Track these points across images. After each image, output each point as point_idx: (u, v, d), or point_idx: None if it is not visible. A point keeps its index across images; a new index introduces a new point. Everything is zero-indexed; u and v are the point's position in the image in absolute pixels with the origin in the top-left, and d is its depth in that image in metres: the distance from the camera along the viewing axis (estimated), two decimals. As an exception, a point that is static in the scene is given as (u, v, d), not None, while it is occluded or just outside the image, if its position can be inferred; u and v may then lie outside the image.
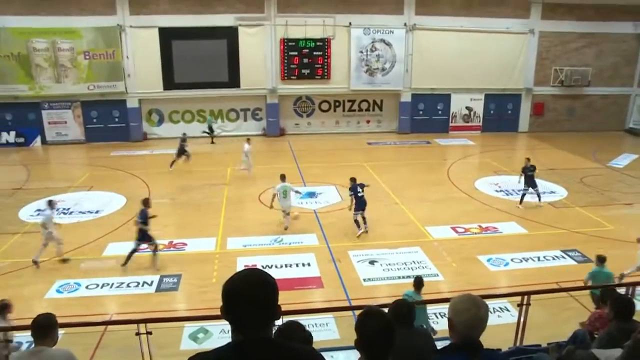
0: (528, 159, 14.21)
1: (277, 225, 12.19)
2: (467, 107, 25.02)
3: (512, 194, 15.39)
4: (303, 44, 23.07)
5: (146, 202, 10.13)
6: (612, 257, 10.74)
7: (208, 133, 22.32)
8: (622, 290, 6.64)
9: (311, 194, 13.95)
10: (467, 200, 14.88)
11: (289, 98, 24.03)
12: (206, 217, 12.90)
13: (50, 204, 10.56)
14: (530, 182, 13.93)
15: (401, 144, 22.83)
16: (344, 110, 24.77)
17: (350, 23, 23.07)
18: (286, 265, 10.17)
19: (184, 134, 18.51)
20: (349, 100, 24.62)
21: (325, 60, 23.41)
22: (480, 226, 12.65)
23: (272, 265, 10.13)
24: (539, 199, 14.03)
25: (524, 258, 10.91)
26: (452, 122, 25.07)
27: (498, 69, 24.25)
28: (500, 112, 25.24)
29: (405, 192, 15.25)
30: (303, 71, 23.36)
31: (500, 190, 15.78)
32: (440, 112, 25.03)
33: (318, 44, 23.14)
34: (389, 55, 23.72)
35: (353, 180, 11.91)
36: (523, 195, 14.05)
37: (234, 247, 11.01)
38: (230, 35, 22.44)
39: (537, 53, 24.48)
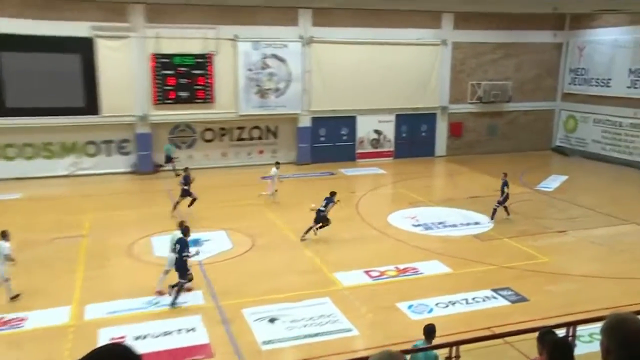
0: (505, 174, 16.54)
1: (153, 283, 11.50)
2: (375, 131, 25.99)
3: (432, 228, 15.98)
4: (179, 60, 22.68)
5: None
6: (551, 294, 11.42)
7: (168, 163, 22.48)
8: (561, 332, 6.70)
9: (195, 242, 13.33)
10: (380, 238, 15.17)
11: (164, 127, 23.34)
12: (56, 280, 12.25)
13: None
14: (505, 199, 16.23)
15: (301, 177, 22.88)
16: (232, 140, 24.60)
17: (236, 36, 23.15)
18: (165, 334, 9.94)
19: (187, 168, 17.55)
20: (237, 128, 24.52)
21: (208, 81, 23.17)
22: (397, 268, 12.95)
23: (146, 335, 9.84)
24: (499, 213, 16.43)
25: (450, 302, 11.18)
26: (359, 148, 25.85)
27: (409, 85, 25.71)
28: (413, 135, 26.62)
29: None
30: (180, 94, 22.91)
31: (418, 225, 16.27)
32: (345, 137, 25.74)
33: (198, 60, 22.88)
34: (283, 73, 24.05)
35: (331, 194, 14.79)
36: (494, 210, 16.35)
37: (96, 316, 10.58)
38: (84, 48, 21.30)
39: (451, 66, 26.48)
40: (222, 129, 24.32)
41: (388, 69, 25.09)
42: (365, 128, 25.81)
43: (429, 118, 26.74)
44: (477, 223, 16.39)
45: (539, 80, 28.07)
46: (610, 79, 25.34)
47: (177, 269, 10.99)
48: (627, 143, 24.63)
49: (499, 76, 27.20)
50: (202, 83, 23.12)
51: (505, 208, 16.45)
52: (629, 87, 24.37)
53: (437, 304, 11.02)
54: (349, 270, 12.65)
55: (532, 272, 12.61)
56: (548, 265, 13.10)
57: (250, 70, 23.57)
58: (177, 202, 16.71)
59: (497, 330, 9.06)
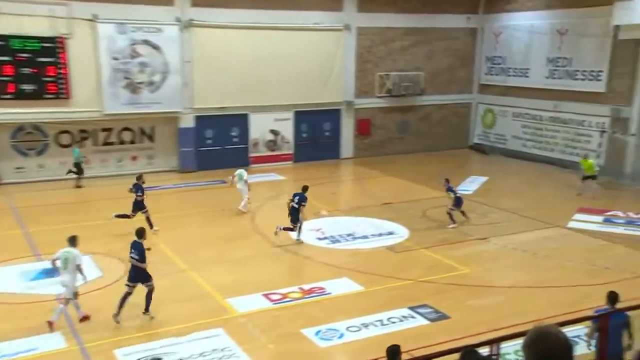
0: (447, 180, 17.59)
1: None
2: (272, 131, 26.15)
3: (339, 241, 16.26)
4: (19, 44, 21.43)
5: None
6: (473, 309, 11.97)
7: (75, 172, 21.93)
8: (485, 351, 6.98)
9: (48, 272, 12.59)
10: (281, 255, 15.20)
11: (3, 129, 21.89)
12: None
13: None
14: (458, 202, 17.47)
15: (186, 187, 22.39)
16: (96, 145, 23.72)
17: (95, 16, 22.28)
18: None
19: (141, 175, 17.35)
20: (103, 130, 23.67)
21: (60, 71, 22.08)
22: (302, 289, 13.04)
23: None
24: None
25: (363, 324, 11.37)
26: (253, 151, 25.88)
27: (309, 78, 26.08)
28: (316, 135, 27.08)
29: (196, 253, 15.16)
30: (23, 87, 21.68)
31: (324, 238, 16.52)
32: (236, 139, 25.68)
33: (45, 45, 21.77)
34: (158, 63, 23.51)
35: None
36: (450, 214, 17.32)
37: None
38: None
39: (356, 55, 27.21)
40: (83, 131, 23.35)
41: (284, 59, 25.31)
42: (259, 128, 25.81)
43: (332, 115, 27.29)
44: (390, 233, 16.87)
45: (453, 70, 29.63)
46: (528, 69, 27.28)
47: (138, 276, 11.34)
48: (547, 139, 26.62)
49: (410, 66, 28.35)
50: (53, 74, 22.01)
51: (463, 212, 17.55)
52: (547, 77, 26.35)
53: (348, 328, 11.16)
54: (245, 294, 12.59)
55: (452, 286, 13.17)
56: (469, 277, 13.74)
57: (116, 59, 22.77)
58: (147, 217, 16.34)
59: (417, 354, 9.28)
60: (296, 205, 15.74)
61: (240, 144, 25.66)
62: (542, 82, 26.52)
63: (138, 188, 16.65)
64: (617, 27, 22.78)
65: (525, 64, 27.42)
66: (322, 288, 13.01)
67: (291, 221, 15.83)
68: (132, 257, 11.33)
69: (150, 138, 24.57)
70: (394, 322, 11.46)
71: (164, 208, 18.99)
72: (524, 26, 27.34)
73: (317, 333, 10.97)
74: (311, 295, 12.71)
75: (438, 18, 28.44)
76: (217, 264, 14.44)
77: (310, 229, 17.07)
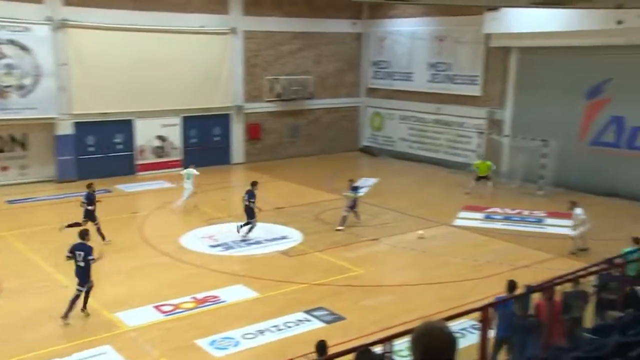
0: (351, 181, 18.09)
1: None
2: (159, 137, 25.53)
3: (233, 247, 16.20)
4: None
5: None
6: (367, 309, 12.27)
7: None
8: (378, 350, 7.16)
9: None
10: (172, 265, 14.90)
11: None
12: None
13: None
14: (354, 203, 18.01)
15: (65, 198, 21.25)
16: (-41, 154, 22.03)
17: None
18: None
19: (91, 184, 16.67)
20: (-34, 138, 22.04)
21: None
22: (195, 298, 12.84)
23: None
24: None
25: (259, 331, 11.38)
26: (139, 159, 25.15)
27: (196, 82, 25.68)
28: (205, 140, 26.73)
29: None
30: None
31: (217, 245, 16.38)
32: (120, 146, 24.86)
33: None
34: (27, 65, 22.23)
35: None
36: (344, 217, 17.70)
37: None
38: None
39: (243, 59, 27.13)
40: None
41: (169, 63, 24.74)
42: (145, 134, 25.06)
43: (222, 120, 27.05)
44: (284, 238, 16.98)
45: (341, 74, 30.26)
46: (412, 73, 28.40)
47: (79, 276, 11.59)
48: (432, 140, 27.83)
49: (299, 70, 28.64)
50: None
51: (356, 213, 18.04)
52: (429, 81, 27.59)
53: (244, 336, 11.12)
54: (134, 307, 12.31)
55: (346, 287, 13.44)
56: (363, 277, 14.10)
57: (-25, 60, 21.31)
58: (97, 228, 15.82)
59: (313, 357, 9.39)
60: (247, 203, 16.41)
61: (125, 151, 24.77)
62: (425, 86, 27.71)
63: (88, 197, 16.07)
64: (488, 36, 24.33)
65: (409, 68, 28.52)
66: (216, 296, 12.85)
67: (247, 218, 16.49)
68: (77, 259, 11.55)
69: (23, 146, 23.15)
70: (290, 327, 11.52)
71: (40, 221, 18.03)
72: (406, 32, 28.44)
73: (212, 343, 10.82)
74: (205, 304, 12.52)
75: (324, 22, 28.93)
76: (104, 277, 13.79)
77: (202, 237, 16.88)
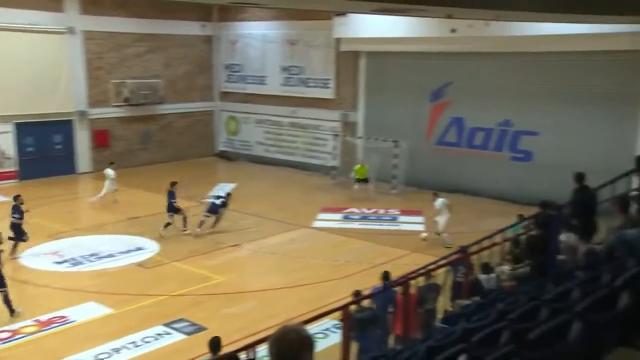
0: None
1: None
2: (-13, 146, 23.43)
3: (82, 263, 15.38)
4: None
5: None
6: (230, 317, 12.07)
7: None
8: (242, 357, 7.08)
9: None
10: (10, 286, 13.42)
11: None
12: None
13: None
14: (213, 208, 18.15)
15: None
16: None
17: None
18: None
19: (18, 196, 15.81)
20: None
21: None
22: (38, 321, 12.04)
23: None
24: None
25: (114, 349, 10.86)
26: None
27: (30, 85, 23.91)
28: (45, 148, 25.09)
29: None
30: None
31: (64, 261, 15.48)
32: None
33: None
34: None
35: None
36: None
37: None
38: None
39: (85, 61, 25.76)
40: None
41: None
42: (-29, 143, 22.87)
43: (63, 126, 25.47)
44: (139, 249, 16.39)
45: (192, 77, 29.70)
46: (265, 76, 28.54)
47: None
48: (288, 143, 28.12)
49: (148, 73, 27.73)
50: None
51: (218, 219, 18.08)
52: (283, 85, 27.89)
53: (96, 356, 10.54)
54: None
55: (208, 296, 13.20)
56: (224, 285, 13.94)
57: None
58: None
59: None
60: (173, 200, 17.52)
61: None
62: (279, 89, 27.94)
63: (15, 210, 15.33)
64: (338, 40, 25.08)
65: (262, 71, 28.62)
66: (63, 317, 12.05)
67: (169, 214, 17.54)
68: None
69: None
70: (148, 342, 11.09)
71: None
72: (257, 35, 28.52)
73: (61, 367, 10.10)
74: (50, 326, 11.70)
75: (172, 24, 28.16)
76: None
77: (45, 253, 15.80)
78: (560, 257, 8.20)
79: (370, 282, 11.94)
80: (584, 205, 9.68)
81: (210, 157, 30.21)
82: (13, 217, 15.27)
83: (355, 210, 20.67)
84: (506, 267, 9.71)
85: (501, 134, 21.74)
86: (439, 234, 16.77)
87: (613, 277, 4.83)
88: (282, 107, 27.88)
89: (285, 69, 27.74)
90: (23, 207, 15.44)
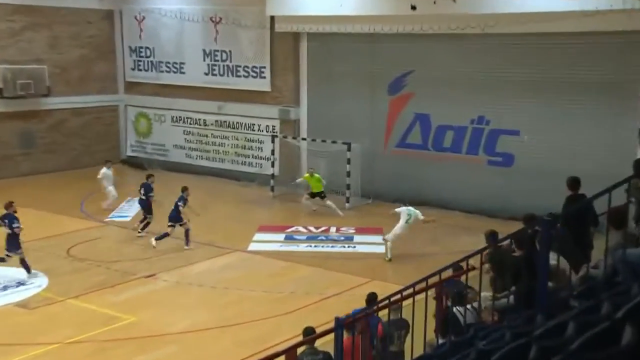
0: (149, 176, 20.77)
1: None
2: None
3: None
4: None
5: None
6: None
7: None
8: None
9: None
10: None
11: None
12: None
13: None
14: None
15: None
16: None
17: None
18: None
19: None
20: None
21: None
22: None
23: None
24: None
25: None
26: None
27: None
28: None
29: None
30: None
31: None
32: None
33: None
34: None
35: None
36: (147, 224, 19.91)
37: None
38: None
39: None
40: None
41: None
42: None
43: None
44: (20, 284, 16.09)
45: (88, 63, 29.47)
46: (183, 63, 28.51)
47: None
48: (216, 147, 28.08)
49: (27, 57, 27.39)
50: None
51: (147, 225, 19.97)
52: (206, 74, 27.92)
53: None
54: None
55: (116, 342, 13.07)
56: (137, 327, 13.81)
57: None
58: None
59: None
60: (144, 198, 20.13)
61: None
62: (201, 80, 27.99)
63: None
64: (272, 18, 25.24)
65: (180, 57, 28.60)
66: None
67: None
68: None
69: None
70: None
71: None
72: (171, 11, 28.39)
73: None
74: None
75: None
76: None
77: None
78: (550, 283, 8.42)
79: (321, 318, 12.07)
80: (578, 219, 9.95)
81: (116, 164, 29.78)
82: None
83: (301, 229, 20.84)
84: (487, 294, 9.93)
85: (475, 133, 22.35)
86: (384, 239, 17.81)
87: (614, 308, 4.99)
88: (206, 102, 27.91)
89: (208, 54, 27.76)
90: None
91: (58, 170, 27.86)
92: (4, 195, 23.39)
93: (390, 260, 17.63)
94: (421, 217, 17.99)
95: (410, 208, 17.93)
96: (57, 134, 28.61)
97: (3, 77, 26.29)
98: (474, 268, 9.01)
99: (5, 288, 15.78)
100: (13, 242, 16.29)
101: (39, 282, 16.14)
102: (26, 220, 21.08)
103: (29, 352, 12.67)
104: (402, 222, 17.60)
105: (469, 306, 9.76)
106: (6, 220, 16.40)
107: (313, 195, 22.45)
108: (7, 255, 16.25)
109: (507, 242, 9.03)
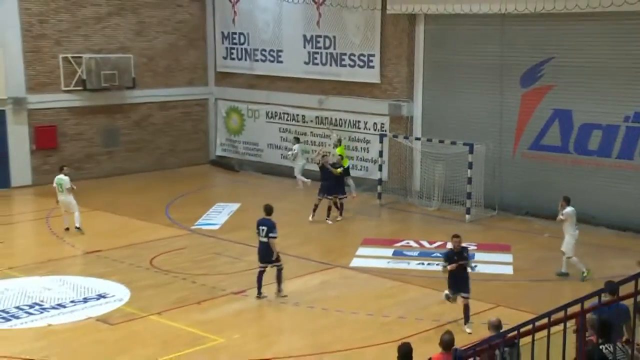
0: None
1: None
2: None
3: (18, 317, 15.52)
4: None
5: None
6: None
7: None
8: None
9: None
10: None
11: None
12: None
13: None
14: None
15: None
16: None
17: None
18: None
19: None
20: None
21: None
22: None
23: None
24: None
25: None
26: None
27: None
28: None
29: None
30: None
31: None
32: None
33: None
34: None
35: None
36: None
37: None
38: None
39: (21, 26, 26.32)
40: None
41: None
42: None
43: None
44: (101, 297, 16.49)
45: (177, 52, 30.22)
46: (281, 51, 28.77)
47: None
48: (316, 146, 28.09)
49: (113, 45, 28.30)
50: None
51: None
52: (307, 63, 28.06)
53: None
54: None
55: (201, 365, 13.17)
56: (225, 349, 13.91)
57: None
58: None
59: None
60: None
61: None
62: (301, 70, 28.20)
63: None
64: (384, -2, 25.08)
65: (277, 44, 28.90)
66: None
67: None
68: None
69: None
70: None
71: None
72: (268, -9, 28.73)
73: None
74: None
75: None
76: None
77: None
78: None
79: (435, 349, 11.82)
80: None
81: (204, 165, 30.36)
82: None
83: (412, 243, 20.60)
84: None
85: (630, 133, 21.47)
86: (569, 257, 17.21)
87: None
88: (305, 96, 28.05)
89: (309, 41, 27.91)
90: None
91: (142, 171, 28.73)
92: (86, 198, 24.42)
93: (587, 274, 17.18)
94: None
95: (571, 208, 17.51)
96: (141, 131, 29.46)
97: (87, 68, 27.24)
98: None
99: (85, 300, 16.23)
100: None
101: (121, 295, 16.51)
102: (107, 227, 21.98)
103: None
104: (573, 230, 17.31)
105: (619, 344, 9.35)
106: None
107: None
108: None
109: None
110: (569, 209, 17.35)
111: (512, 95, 23.47)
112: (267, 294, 16.41)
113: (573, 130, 22.48)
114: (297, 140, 21.56)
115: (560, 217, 17.38)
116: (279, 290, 16.41)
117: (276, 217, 23.80)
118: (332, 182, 22.24)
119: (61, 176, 20.98)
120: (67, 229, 21.07)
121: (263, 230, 16.11)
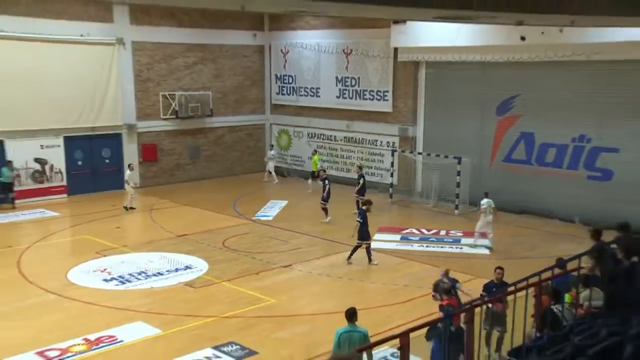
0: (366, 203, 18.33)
1: None
2: (37, 160, 24.42)
3: (130, 281, 15.77)
4: None
5: None
6: (281, 341, 12.23)
7: None
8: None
9: None
10: (59, 303, 14.24)
11: None
12: None
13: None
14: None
15: None
16: None
17: None
18: None
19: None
20: None
21: None
22: (87, 340, 12.34)
23: None
24: None
25: None
26: (15, 185, 23.62)
27: (80, 98, 24.86)
28: (94, 163, 25.99)
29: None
30: None
31: (112, 279, 15.91)
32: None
33: None
34: None
35: None
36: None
37: None
38: None
39: (134, 72, 26.60)
40: None
41: (45, 76, 23.69)
42: (21, 157, 23.75)
43: (112, 140, 26.32)
44: (187, 268, 16.69)
45: (243, 89, 30.29)
46: (319, 88, 28.81)
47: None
48: (343, 159, 28.23)
49: (197, 85, 28.43)
50: None
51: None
52: (338, 97, 28.08)
53: (146, 380, 10.71)
54: (13, 354, 11.56)
55: (258, 319, 13.34)
56: (275, 307, 14.04)
57: None
58: None
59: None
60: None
61: (-6, 176, 23.35)
62: (334, 102, 28.16)
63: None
64: (396, 49, 25.11)
65: (316, 83, 28.91)
66: (112, 336, 12.34)
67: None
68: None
69: None
70: (196, 366, 11.22)
71: None
72: (310, 45, 28.84)
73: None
74: (99, 346, 11.98)
75: (222, 34, 28.87)
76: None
77: (94, 270, 16.27)
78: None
79: (432, 308, 11.86)
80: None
81: (261, 172, 30.59)
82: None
83: (415, 231, 20.56)
84: (586, 293, 9.41)
85: (576, 150, 21.25)
86: (476, 233, 18.39)
87: None
88: (336, 121, 28.07)
89: (339, 80, 27.95)
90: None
91: (217, 176, 28.89)
92: (177, 197, 24.73)
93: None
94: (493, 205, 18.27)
95: (488, 200, 18.30)
96: (216, 147, 29.60)
97: (179, 102, 27.52)
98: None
99: (177, 270, 16.49)
100: None
101: (201, 267, 16.71)
102: (192, 217, 22.26)
103: (193, 322, 13.15)
104: (486, 217, 18.21)
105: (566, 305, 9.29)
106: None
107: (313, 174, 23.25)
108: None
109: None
110: (484, 201, 18.32)
111: (490, 122, 23.31)
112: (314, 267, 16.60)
113: (535, 147, 22.32)
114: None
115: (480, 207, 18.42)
116: (370, 260, 17.07)
117: (312, 211, 24.09)
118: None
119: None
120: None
121: None
